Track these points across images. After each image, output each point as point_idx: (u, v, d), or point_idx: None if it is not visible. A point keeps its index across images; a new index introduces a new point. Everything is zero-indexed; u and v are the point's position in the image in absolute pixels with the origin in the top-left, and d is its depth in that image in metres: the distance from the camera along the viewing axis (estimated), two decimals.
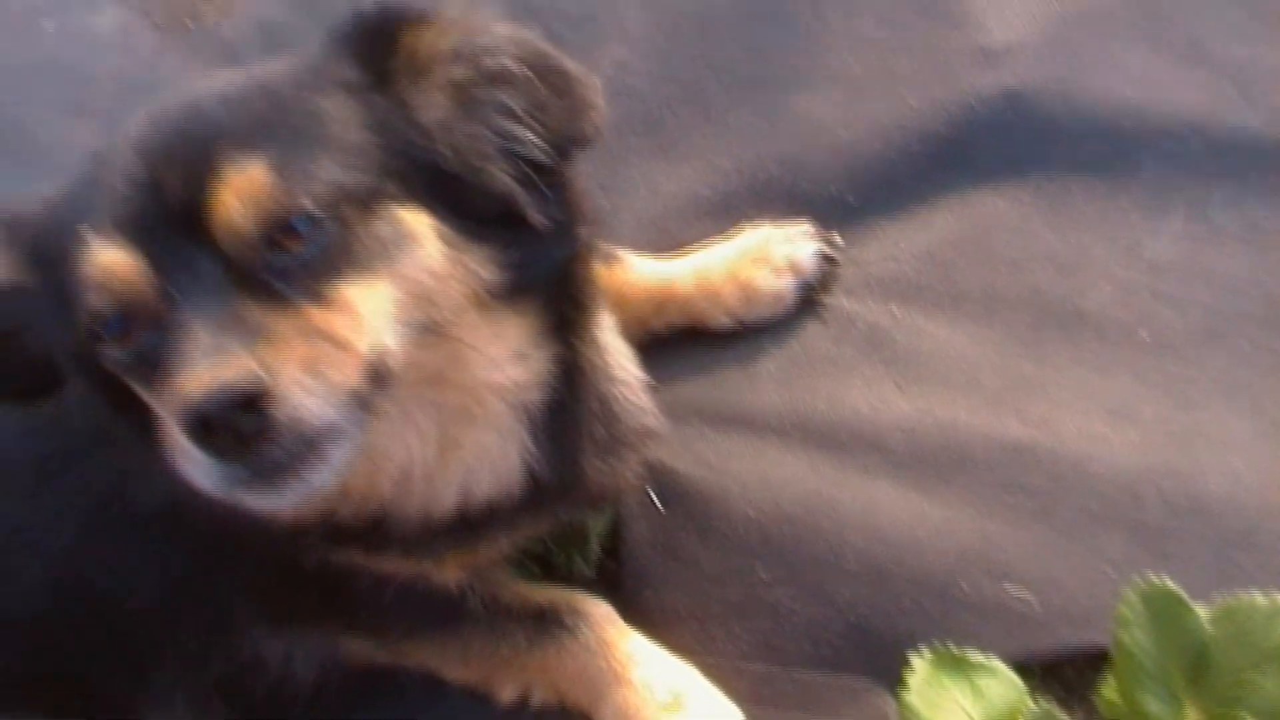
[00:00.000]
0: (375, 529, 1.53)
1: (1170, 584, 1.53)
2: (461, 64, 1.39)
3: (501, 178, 1.38)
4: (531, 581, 1.86)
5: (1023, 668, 1.65)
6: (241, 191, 1.23)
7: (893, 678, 1.67)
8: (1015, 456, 1.83)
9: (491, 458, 1.54)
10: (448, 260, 1.35)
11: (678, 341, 2.06)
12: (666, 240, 2.19)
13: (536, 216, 1.40)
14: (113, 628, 1.69)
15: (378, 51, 1.39)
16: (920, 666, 1.63)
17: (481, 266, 1.38)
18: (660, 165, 2.37)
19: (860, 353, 2.01)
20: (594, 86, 1.46)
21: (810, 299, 2.08)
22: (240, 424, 1.14)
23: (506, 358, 1.47)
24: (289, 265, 1.25)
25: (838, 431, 1.91)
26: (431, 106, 1.38)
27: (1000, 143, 2.16)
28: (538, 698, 1.73)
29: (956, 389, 1.93)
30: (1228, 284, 1.93)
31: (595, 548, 1.93)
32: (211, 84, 1.38)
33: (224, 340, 1.18)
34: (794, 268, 2.05)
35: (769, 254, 2.05)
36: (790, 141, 2.28)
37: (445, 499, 1.53)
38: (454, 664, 1.76)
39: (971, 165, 2.16)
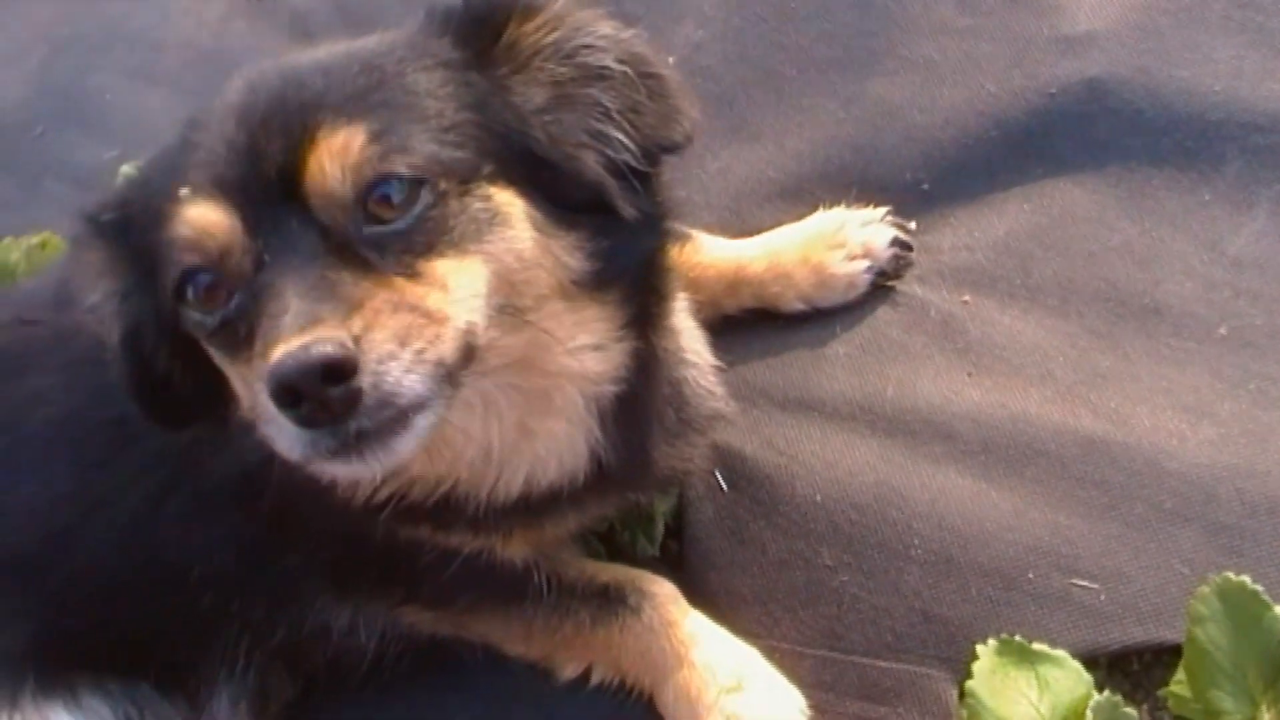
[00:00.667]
0: (443, 508, 1.54)
1: (1248, 581, 1.51)
2: (563, 59, 1.39)
3: (593, 167, 1.38)
4: (596, 560, 1.86)
5: (1088, 661, 1.64)
6: (336, 154, 1.24)
7: (956, 667, 1.67)
8: (1088, 450, 1.80)
9: (560, 445, 1.54)
10: (537, 245, 1.36)
11: (748, 323, 2.06)
12: (738, 222, 2.19)
13: (626, 208, 1.40)
14: (180, 593, 1.71)
15: (481, 37, 1.39)
16: (985, 656, 1.63)
17: (568, 254, 1.39)
18: (732, 147, 2.36)
19: (932, 341, 1.99)
20: (689, 95, 1.48)
21: (883, 285, 2.06)
22: (329, 394, 1.14)
23: (587, 348, 1.48)
24: (383, 236, 1.26)
25: (907, 419, 1.90)
26: (529, 95, 1.38)
27: (1080, 132, 2.13)
28: (599, 675, 1.74)
29: (1029, 380, 1.91)
30: None
31: (660, 528, 1.93)
32: (311, 54, 1.40)
33: (315, 307, 1.18)
34: (868, 253, 2.04)
35: (843, 238, 2.03)
36: (865, 126, 2.27)
37: (513, 482, 1.54)
38: (517, 639, 1.77)
39: (1050, 154, 2.13)
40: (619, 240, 1.42)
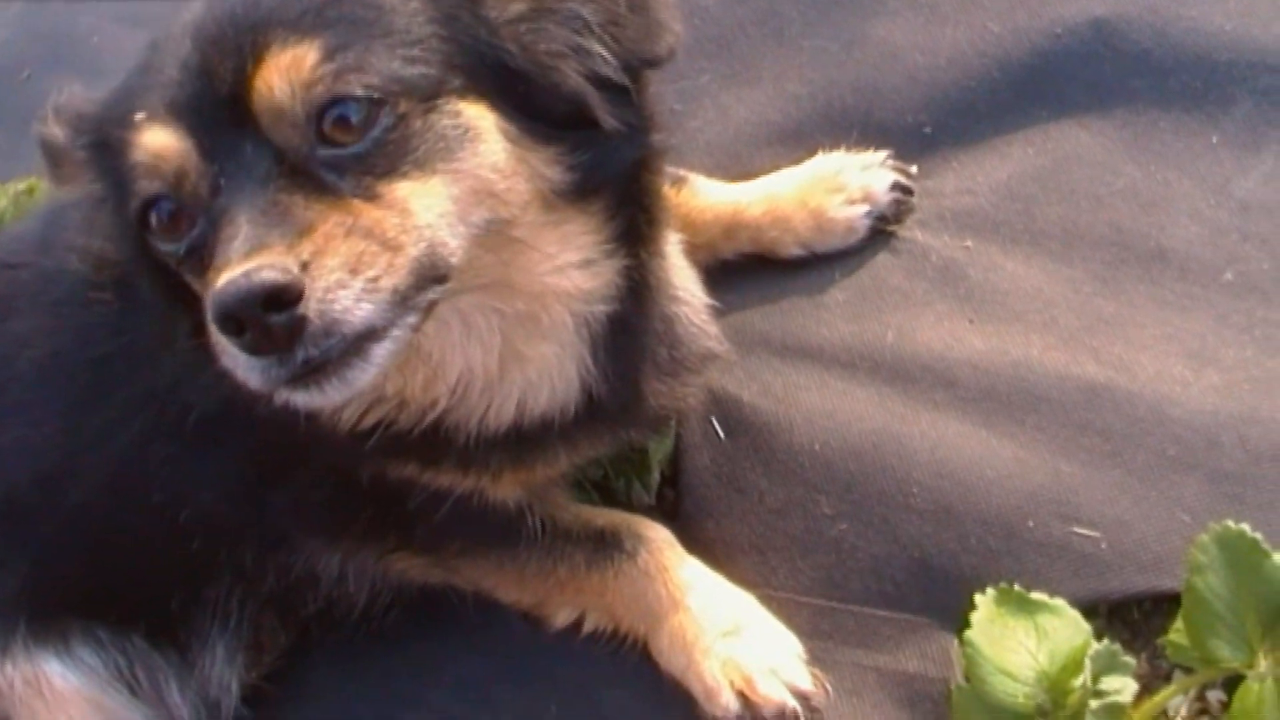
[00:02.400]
0: (431, 439, 1.52)
1: (1247, 529, 1.49)
2: None
3: (572, 78, 1.34)
4: (591, 506, 1.85)
5: (1088, 609, 1.63)
6: (285, 72, 1.21)
7: (956, 616, 1.66)
8: (1090, 397, 1.78)
9: (551, 371, 1.52)
10: (512, 157, 1.32)
11: (746, 269, 2.03)
12: (736, 166, 2.15)
13: (607, 118, 1.36)
14: (169, 536, 1.69)
15: None
16: (984, 605, 1.61)
17: (547, 166, 1.36)
18: (731, 89, 2.32)
19: (933, 287, 1.96)
20: (671, 9, 1.44)
21: (883, 230, 2.03)
22: (272, 322, 1.12)
23: (573, 263, 1.45)
24: (341, 158, 1.23)
25: (908, 366, 1.88)
26: (505, 6, 1.34)
27: (1085, 73, 2.09)
28: (592, 623, 1.73)
29: (1031, 326, 1.88)
30: None
31: (655, 475, 1.92)
32: None
33: (263, 233, 1.16)
34: (868, 197, 2.01)
35: (842, 182, 2.00)
36: (866, 68, 2.23)
37: (503, 411, 1.52)
38: (510, 585, 1.76)
39: (1054, 96, 2.09)
40: (602, 151, 1.39)
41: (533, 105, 1.34)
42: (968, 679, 1.57)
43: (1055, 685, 1.53)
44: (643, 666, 1.69)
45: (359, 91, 1.22)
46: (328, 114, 1.22)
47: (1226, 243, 1.89)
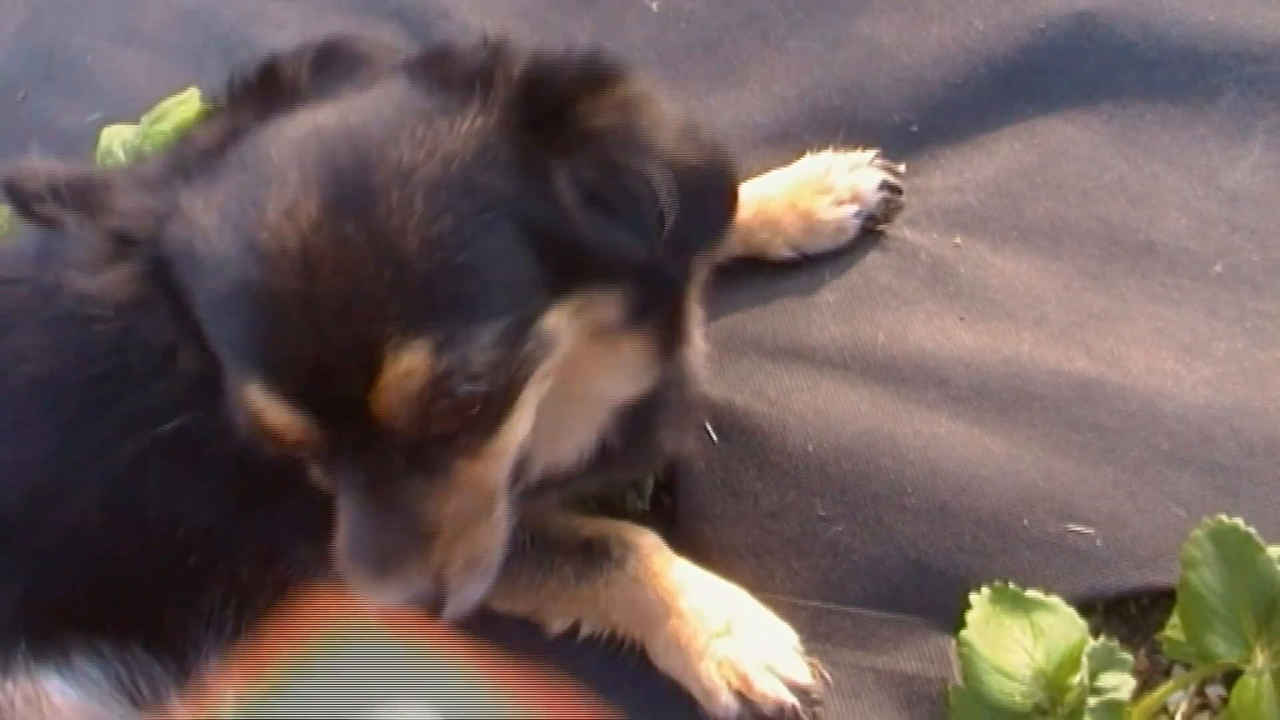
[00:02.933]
0: None
1: (1240, 523, 1.49)
2: (622, 145, 1.29)
3: (634, 250, 1.31)
4: (583, 514, 1.85)
5: (1085, 606, 1.63)
6: (402, 379, 1.18)
7: (952, 616, 1.65)
8: (1082, 393, 1.78)
9: (576, 443, 1.57)
10: (580, 327, 1.34)
11: (737, 272, 2.02)
12: None
13: (661, 264, 1.35)
14: (166, 551, 1.69)
15: (540, 111, 1.27)
16: (979, 604, 1.61)
17: (606, 311, 1.36)
18: (718, 91, 2.32)
19: (923, 285, 1.96)
20: (734, 200, 1.46)
21: (872, 230, 2.03)
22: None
23: (618, 379, 1.50)
24: (448, 435, 1.26)
25: (899, 365, 1.88)
26: (577, 179, 1.28)
27: (1071, 68, 2.08)
28: (588, 628, 1.73)
29: (1022, 323, 1.88)
30: None
31: (650, 482, 1.92)
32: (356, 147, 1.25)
33: (394, 544, 1.30)
34: (856, 197, 2.00)
35: (831, 183, 1.99)
36: (852, 67, 2.22)
37: (530, 474, 1.53)
38: (502, 596, 1.75)
39: (1040, 91, 2.09)
40: (651, 284, 1.38)
41: (595, 263, 1.32)
42: (965, 679, 1.57)
43: (1052, 683, 1.53)
44: (641, 670, 1.69)
45: (463, 389, 1.21)
46: (435, 404, 1.21)
47: (1216, 234, 1.88)
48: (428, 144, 1.23)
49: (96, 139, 2.46)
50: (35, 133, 3.02)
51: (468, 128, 1.25)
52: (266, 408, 1.24)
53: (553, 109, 1.27)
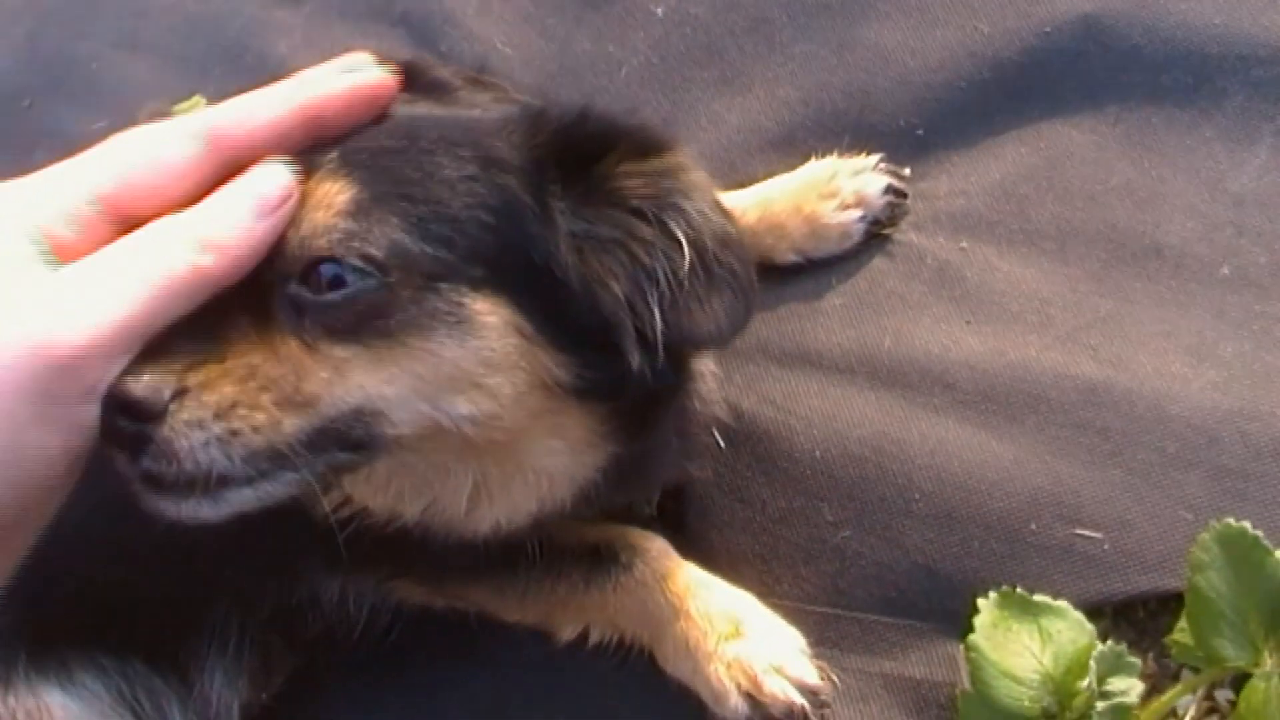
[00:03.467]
0: (404, 538, 1.53)
1: (1248, 527, 1.49)
2: (648, 214, 1.32)
3: (613, 305, 1.31)
4: (588, 521, 1.85)
5: (1093, 610, 1.63)
6: (310, 211, 1.20)
7: (960, 621, 1.65)
8: (1089, 396, 1.78)
9: (529, 502, 1.51)
10: (516, 352, 1.30)
11: None
12: (729, 173, 2.15)
13: (632, 355, 1.33)
14: (170, 565, 1.69)
15: (570, 154, 1.32)
16: (986, 609, 1.61)
17: (558, 367, 1.33)
18: (723, 96, 2.32)
19: (930, 289, 1.96)
20: (748, 304, 1.40)
21: (878, 234, 2.03)
22: (119, 425, 1.13)
23: (559, 449, 1.44)
24: (305, 301, 1.21)
25: (906, 370, 1.88)
26: (584, 225, 1.32)
27: (1076, 71, 2.07)
28: (597, 635, 1.74)
29: (1029, 326, 1.88)
30: None
31: (656, 489, 1.91)
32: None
33: (182, 339, 1.15)
34: (861, 202, 2.00)
35: (836, 187, 1.99)
36: (857, 72, 2.22)
37: (478, 529, 1.52)
38: (511, 606, 1.77)
39: (1046, 95, 2.08)
40: (618, 377, 1.35)
41: (561, 313, 1.31)
42: (973, 683, 1.57)
43: (1060, 688, 1.53)
44: (649, 676, 1.69)
45: (355, 261, 1.20)
46: (320, 267, 1.21)
47: (1222, 238, 1.88)
48: (472, 134, 1.31)
49: None
50: (41, 140, 3.04)
51: (509, 139, 1.32)
52: None
53: (589, 155, 1.32)
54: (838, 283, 2.02)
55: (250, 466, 1.18)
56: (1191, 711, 1.61)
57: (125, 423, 1.13)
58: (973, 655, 1.57)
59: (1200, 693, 1.62)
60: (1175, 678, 1.64)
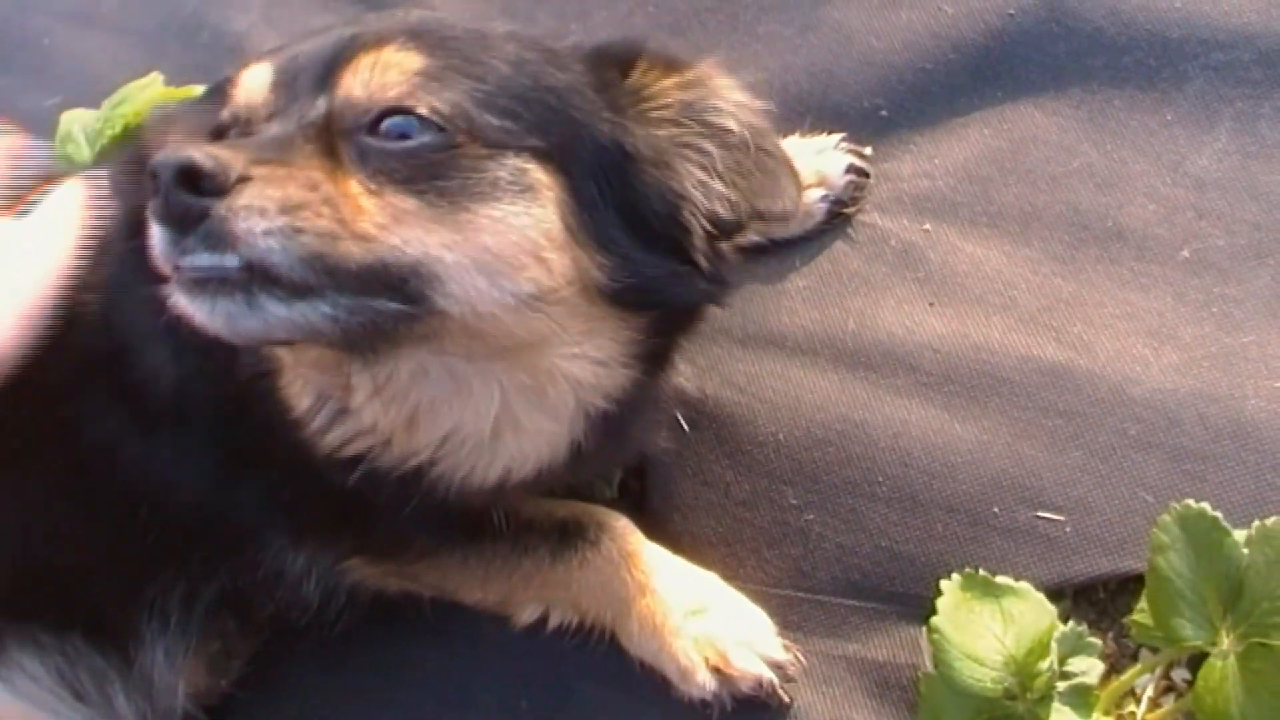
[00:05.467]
0: (409, 481, 1.50)
1: (1207, 508, 1.50)
2: (688, 117, 1.40)
3: (683, 182, 1.37)
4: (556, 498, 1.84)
5: (1054, 592, 1.64)
6: (379, 66, 1.25)
7: (923, 604, 1.66)
8: (1051, 379, 1.79)
9: (543, 443, 1.49)
10: (560, 240, 1.30)
11: None
12: None
13: (694, 238, 1.38)
14: (118, 535, 1.66)
15: (608, 68, 1.41)
16: (949, 591, 1.62)
17: (595, 268, 1.34)
18: None
19: (893, 271, 1.96)
20: (798, 180, 1.52)
21: (841, 214, 2.03)
22: (176, 194, 1.11)
23: (590, 358, 1.42)
24: (372, 149, 1.23)
25: (869, 352, 1.88)
26: (644, 121, 1.38)
27: (1040, 53, 2.08)
28: (558, 617, 1.73)
29: (991, 309, 1.88)
30: (1276, 200, 1.86)
31: (618, 471, 1.91)
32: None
33: (248, 150, 1.16)
34: (823, 181, 2.00)
35: (797, 166, 1.98)
36: (821, 52, 2.21)
37: (489, 474, 1.49)
38: (473, 584, 1.75)
39: (1009, 77, 2.08)
40: (654, 283, 1.38)
41: (619, 199, 1.35)
42: (936, 665, 1.57)
43: (1022, 669, 1.53)
44: (611, 656, 1.69)
45: (422, 110, 1.23)
46: (388, 118, 1.23)
47: (1183, 220, 1.89)
48: (532, 38, 1.40)
49: (56, 123, 2.40)
50: None
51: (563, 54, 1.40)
52: (251, 66, 1.33)
53: (619, 66, 1.41)
54: (801, 264, 2.01)
55: (302, 272, 1.14)
56: (1149, 691, 1.63)
57: (184, 195, 1.10)
58: (935, 637, 1.57)
59: (1158, 672, 1.64)
60: (1134, 658, 1.65)
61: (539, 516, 1.72)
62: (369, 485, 1.51)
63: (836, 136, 2.04)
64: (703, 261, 1.39)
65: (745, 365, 1.92)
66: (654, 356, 1.49)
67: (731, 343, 1.95)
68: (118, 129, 2.25)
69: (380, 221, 1.19)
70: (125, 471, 1.63)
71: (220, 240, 1.12)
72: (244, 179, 1.12)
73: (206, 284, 1.14)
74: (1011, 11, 2.11)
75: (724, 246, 1.44)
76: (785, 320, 1.96)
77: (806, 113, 2.12)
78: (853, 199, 2.03)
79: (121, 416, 1.62)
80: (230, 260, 1.12)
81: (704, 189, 1.38)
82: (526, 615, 1.73)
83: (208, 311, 1.15)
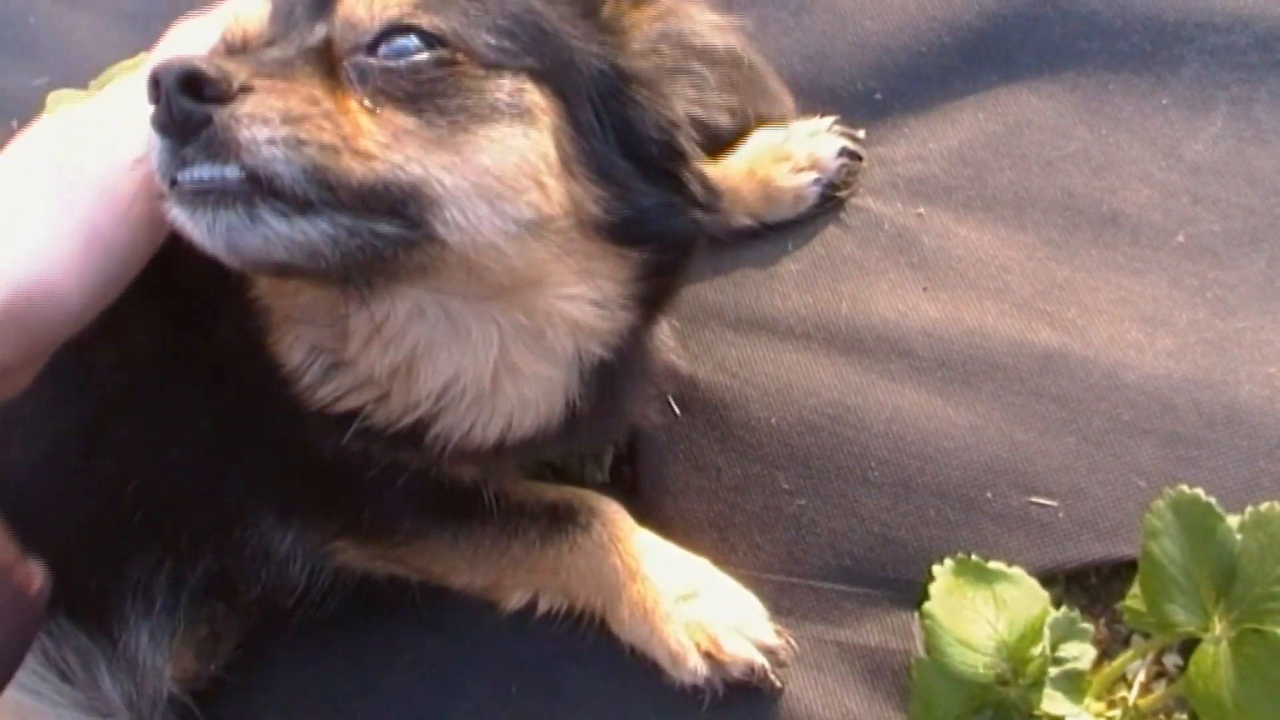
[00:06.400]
0: (406, 440, 1.47)
1: (1200, 494, 1.50)
2: (669, 44, 1.39)
3: (680, 104, 1.37)
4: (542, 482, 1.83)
5: (1047, 577, 1.64)
6: None
7: (915, 589, 1.66)
8: (1045, 364, 1.78)
9: (542, 393, 1.46)
10: (555, 167, 1.28)
11: None
12: None
13: (693, 171, 1.38)
14: (105, 512, 1.62)
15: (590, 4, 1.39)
16: (942, 576, 1.62)
17: (589, 200, 1.32)
18: None
19: (886, 255, 1.95)
20: (785, 84, 1.57)
21: (834, 198, 2.01)
22: (179, 100, 1.08)
23: (588, 298, 1.39)
24: (371, 67, 1.20)
25: (863, 336, 1.87)
26: (635, 29, 1.38)
27: (1035, 36, 2.06)
28: (546, 602, 1.71)
29: (985, 293, 1.87)
30: (1271, 185, 1.86)
31: (609, 453, 1.90)
32: None
33: (248, 67, 1.13)
34: (815, 164, 1.98)
35: (789, 150, 1.97)
36: (815, 35, 2.19)
37: (489, 429, 1.46)
38: (462, 567, 1.73)
39: (1004, 60, 2.07)
40: (648, 213, 1.36)
41: (617, 124, 1.34)
42: (928, 651, 1.57)
43: (1015, 654, 1.54)
44: (601, 643, 1.68)
45: (424, 25, 1.21)
46: (389, 36, 1.21)
47: (1178, 205, 1.88)
48: None
49: (43, 103, 2.38)
50: None
51: None
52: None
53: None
54: (794, 248, 2.00)
55: (305, 185, 1.11)
56: (1141, 676, 1.63)
57: (185, 101, 1.08)
58: (928, 623, 1.57)
59: (1150, 658, 1.64)
60: (1126, 643, 1.66)
61: (529, 500, 1.71)
62: (362, 446, 1.48)
63: (829, 119, 2.03)
64: (697, 188, 1.38)
65: (737, 349, 1.91)
66: (651, 300, 1.46)
67: (724, 326, 1.94)
68: None
69: (381, 140, 1.17)
70: (114, 445, 1.61)
71: (223, 148, 1.09)
72: (247, 88, 1.10)
73: (207, 195, 1.11)
74: None
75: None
76: (778, 304, 1.94)
77: (800, 95, 2.08)
78: (846, 182, 2.01)
79: (112, 388, 1.59)
80: (232, 171, 1.09)
81: (702, 105, 1.39)
82: (515, 600, 1.72)
83: (207, 225, 1.12)
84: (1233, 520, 1.48)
